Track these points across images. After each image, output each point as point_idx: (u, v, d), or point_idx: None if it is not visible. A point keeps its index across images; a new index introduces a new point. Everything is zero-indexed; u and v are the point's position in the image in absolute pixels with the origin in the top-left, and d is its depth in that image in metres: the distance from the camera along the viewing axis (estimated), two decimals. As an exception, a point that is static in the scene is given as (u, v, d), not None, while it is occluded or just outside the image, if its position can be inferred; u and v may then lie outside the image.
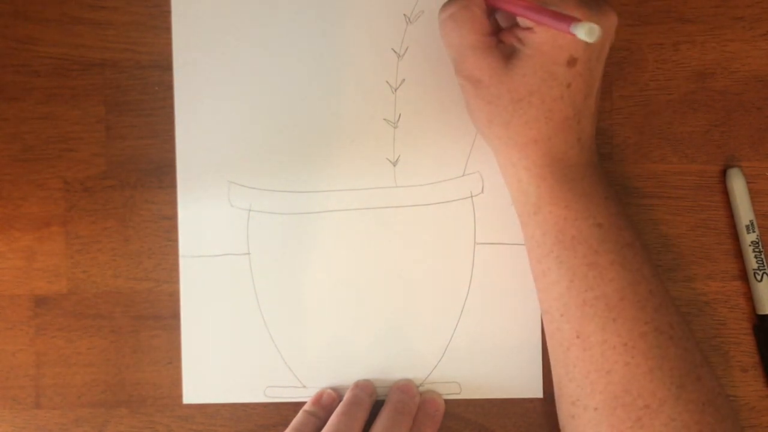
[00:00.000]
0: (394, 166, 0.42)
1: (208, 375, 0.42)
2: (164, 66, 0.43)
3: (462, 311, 0.42)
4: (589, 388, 0.36)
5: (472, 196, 0.42)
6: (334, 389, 0.42)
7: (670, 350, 0.35)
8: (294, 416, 0.41)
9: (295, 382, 0.42)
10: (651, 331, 0.35)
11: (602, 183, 0.37)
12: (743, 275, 0.42)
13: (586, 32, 0.30)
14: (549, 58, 0.35)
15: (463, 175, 0.42)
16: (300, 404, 0.42)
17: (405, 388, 0.41)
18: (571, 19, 0.31)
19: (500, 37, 0.37)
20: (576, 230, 0.36)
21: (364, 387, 0.41)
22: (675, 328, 0.36)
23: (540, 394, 0.42)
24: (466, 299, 0.42)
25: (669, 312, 0.36)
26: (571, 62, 0.35)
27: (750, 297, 0.42)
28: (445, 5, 0.38)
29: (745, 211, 0.41)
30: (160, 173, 0.43)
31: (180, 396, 0.42)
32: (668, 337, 0.35)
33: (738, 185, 0.41)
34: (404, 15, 0.42)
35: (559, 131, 0.36)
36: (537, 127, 0.36)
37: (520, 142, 0.36)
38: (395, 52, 0.42)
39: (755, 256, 0.41)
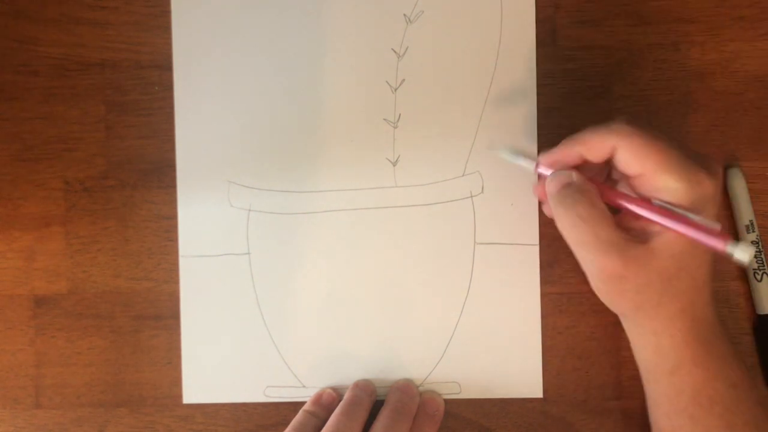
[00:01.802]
0: (394, 166, 0.42)
1: (208, 375, 0.42)
2: (164, 66, 0.43)
3: (462, 311, 0.42)
4: None
5: (472, 196, 0.42)
6: (334, 389, 0.42)
7: None
8: (294, 416, 0.41)
9: (295, 382, 0.42)
10: None
11: (729, 339, 0.37)
12: (743, 275, 0.42)
13: (745, 254, 0.30)
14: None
15: (463, 175, 0.42)
16: (300, 404, 0.42)
17: (405, 388, 0.41)
18: (726, 237, 0.31)
19: (624, 223, 0.36)
20: (713, 391, 0.35)
21: (364, 387, 0.41)
22: None
23: (540, 394, 0.42)
24: (466, 299, 0.42)
25: None
26: None
27: (750, 297, 0.42)
28: (559, 201, 0.35)
29: (745, 211, 0.41)
30: (159, 173, 0.43)
31: (180, 396, 0.42)
32: None
33: (738, 185, 0.41)
34: (404, 15, 0.42)
35: (701, 293, 0.35)
36: (685, 298, 0.35)
37: (667, 315, 0.35)
38: (395, 52, 0.42)
39: (755, 256, 0.41)
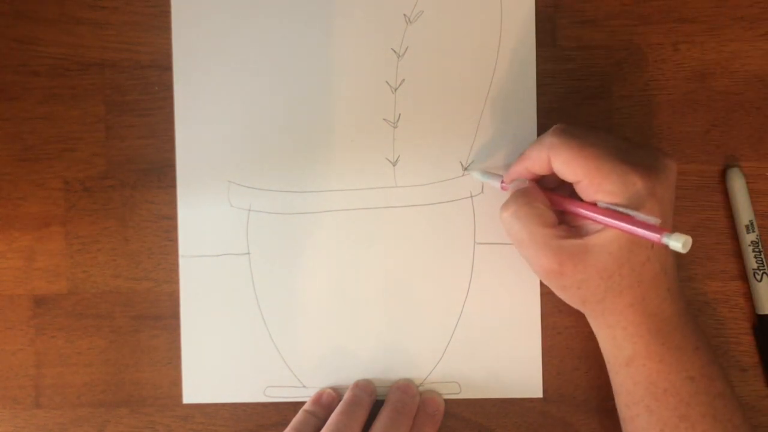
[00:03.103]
0: (394, 166, 0.42)
1: (208, 375, 0.42)
2: (164, 66, 0.43)
3: (462, 311, 0.42)
4: None
5: (471, 196, 0.42)
6: (334, 389, 0.42)
7: None
8: (294, 416, 0.41)
9: (295, 382, 0.42)
10: None
11: (693, 332, 0.37)
12: (743, 275, 0.42)
13: (682, 245, 0.31)
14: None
15: (463, 175, 0.42)
16: (300, 404, 0.42)
17: (405, 388, 0.41)
18: (661, 230, 0.32)
19: (566, 220, 0.37)
20: (668, 383, 0.36)
21: (364, 387, 0.41)
22: None
23: (540, 394, 0.42)
24: (466, 299, 0.42)
25: None
26: None
27: (750, 297, 0.42)
28: (505, 204, 0.37)
29: (744, 211, 0.41)
30: (159, 173, 0.43)
31: (180, 396, 0.42)
32: None
33: (738, 185, 0.41)
34: (404, 15, 0.42)
35: (650, 289, 0.36)
36: (631, 294, 0.36)
37: (616, 309, 0.36)
38: (395, 52, 0.42)
39: (755, 256, 0.41)
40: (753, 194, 0.41)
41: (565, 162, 0.35)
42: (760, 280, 0.41)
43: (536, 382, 0.42)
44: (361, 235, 0.42)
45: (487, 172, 0.41)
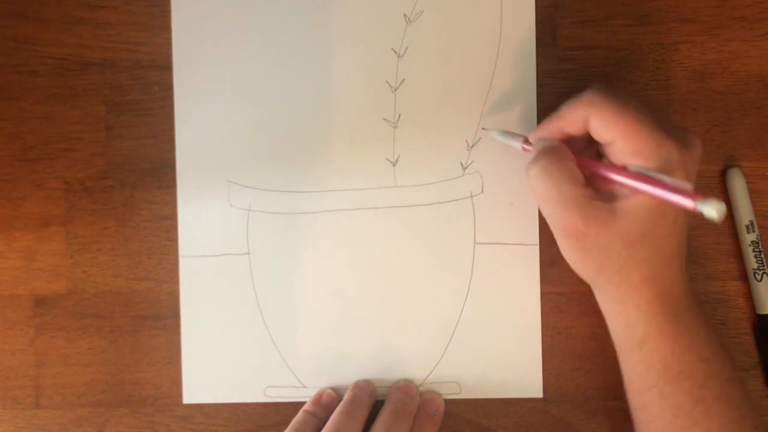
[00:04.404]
0: (394, 165, 0.42)
1: (208, 375, 0.42)
2: (164, 66, 0.43)
3: (462, 311, 0.42)
4: None
5: (471, 196, 0.42)
6: (334, 389, 0.42)
7: None
8: (294, 416, 0.41)
9: (295, 382, 0.42)
10: None
11: (702, 313, 0.37)
12: (743, 275, 0.42)
13: (717, 211, 0.30)
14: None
15: (462, 175, 0.42)
16: (300, 404, 0.42)
17: (405, 388, 0.41)
18: (695, 195, 0.31)
19: (594, 184, 0.36)
20: (683, 365, 0.35)
21: (364, 387, 0.41)
22: None
23: (540, 394, 0.42)
24: (466, 299, 0.42)
25: None
26: None
27: (750, 297, 0.42)
28: (533, 161, 0.37)
29: (745, 211, 0.41)
30: (159, 173, 0.43)
31: (180, 396, 0.42)
32: None
33: (738, 185, 0.41)
34: (404, 15, 0.42)
35: (667, 266, 0.36)
36: (648, 267, 0.35)
37: (631, 282, 0.36)
38: (395, 52, 0.42)
39: (755, 256, 0.41)
40: (753, 194, 0.41)
41: (605, 120, 0.35)
42: (760, 280, 0.41)
43: (536, 382, 0.42)
44: (361, 235, 0.42)
45: (506, 132, 0.40)
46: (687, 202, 0.32)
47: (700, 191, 0.34)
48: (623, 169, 0.35)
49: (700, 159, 0.36)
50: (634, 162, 0.34)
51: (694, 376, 0.35)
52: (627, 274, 0.35)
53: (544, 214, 0.37)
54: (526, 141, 0.39)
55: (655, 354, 0.36)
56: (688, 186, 0.33)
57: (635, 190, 0.34)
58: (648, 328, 0.36)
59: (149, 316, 0.43)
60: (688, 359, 0.35)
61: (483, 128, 0.41)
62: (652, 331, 0.36)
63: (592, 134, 0.36)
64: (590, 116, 0.35)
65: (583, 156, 0.37)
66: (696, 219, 0.42)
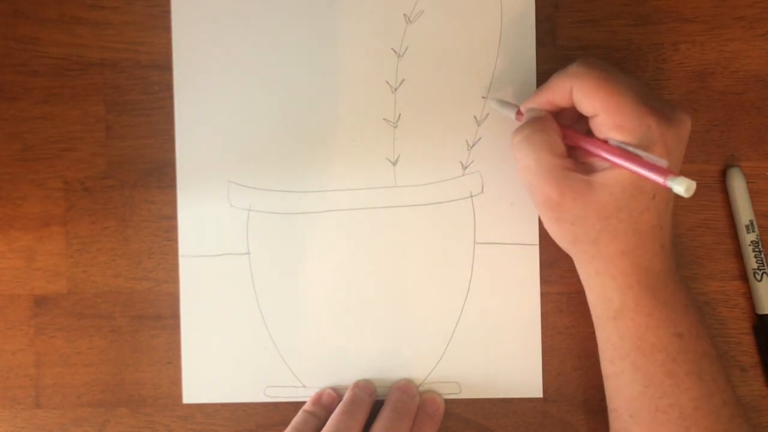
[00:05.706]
0: (394, 165, 0.42)
1: (207, 375, 0.42)
2: (164, 66, 0.43)
3: (462, 311, 0.42)
4: None
5: (471, 196, 0.42)
6: (334, 389, 0.42)
7: None
8: (294, 416, 0.41)
9: (295, 382, 0.42)
10: None
11: (682, 290, 0.37)
12: (743, 275, 0.42)
13: (685, 189, 0.31)
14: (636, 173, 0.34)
15: (463, 175, 0.42)
16: (300, 404, 0.42)
17: (405, 388, 0.41)
18: (666, 172, 0.32)
19: (576, 156, 0.37)
20: (656, 338, 0.36)
21: (364, 387, 0.41)
22: None
23: (540, 394, 0.42)
24: (466, 299, 0.42)
25: (740, 423, 0.36)
26: None
27: (750, 297, 0.42)
28: (518, 129, 0.37)
29: (744, 211, 0.41)
30: (159, 173, 0.43)
31: (180, 396, 0.42)
32: None
33: (738, 185, 0.41)
34: (404, 15, 0.42)
35: (645, 241, 0.36)
36: (625, 240, 0.35)
37: (607, 255, 0.36)
38: (395, 52, 0.42)
39: (755, 256, 0.41)
40: (753, 194, 0.41)
41: (586, 92, 0.35)
42: (760, 280, 0.41)
43: (536, 382, 0.42)
44: (361, 234, 0.42)
45: (503, 101, 0.41)
46: (658, 179, 0.32)
47: (673, 171, 0.34)
48: (603, 143, 0.35)
49: (687, 136, 0.36)
50: (614, 136, 0.35)
51: (667, 349, 0.36)
52: (602, 246, 0.36)
53: (524, 184, 0.38)
54: (520, 112, 0.40)
55: (630, 325, 0.36)
56: (663, 162, 0.33)
57: (613, 164, 0.35)
58: (624, 299, 0.36)
59: (149, 316, 0.43)
60: (662, 333, 0.36)
61: (483, 97, 0.42)
62: (629, 302, 0.36)
63: (577, 107, 0.36)
64: (574, 88, 0.36)
65: (568, 128, 0.38)
66: (696, 218, 0.42)
